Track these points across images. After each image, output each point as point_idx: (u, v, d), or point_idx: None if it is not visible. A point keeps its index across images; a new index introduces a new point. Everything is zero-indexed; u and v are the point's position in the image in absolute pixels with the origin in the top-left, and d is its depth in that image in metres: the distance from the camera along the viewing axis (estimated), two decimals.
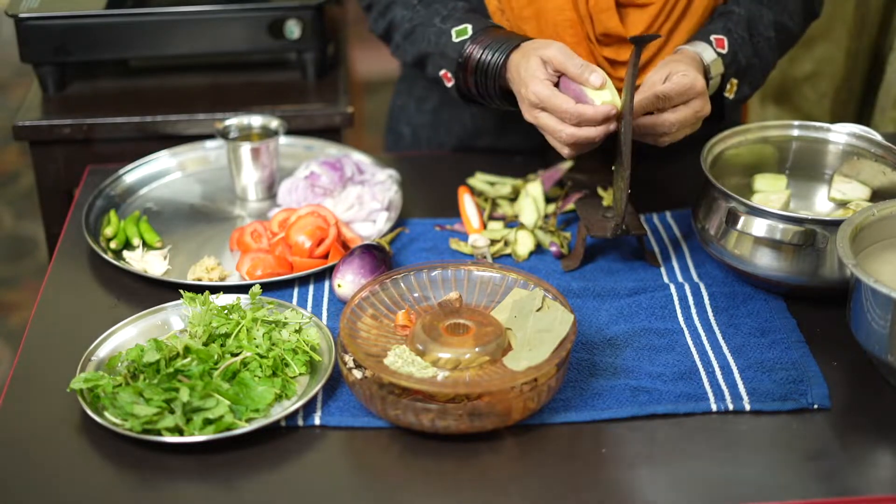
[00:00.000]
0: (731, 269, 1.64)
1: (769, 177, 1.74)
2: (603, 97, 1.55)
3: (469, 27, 1.70)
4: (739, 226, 1.57)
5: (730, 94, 1.69)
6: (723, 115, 1.73)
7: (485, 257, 1.73)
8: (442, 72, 1.74)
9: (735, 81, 1.69)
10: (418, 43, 1.77)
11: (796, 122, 1.76)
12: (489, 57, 1.66)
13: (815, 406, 1.43)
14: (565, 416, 1.42)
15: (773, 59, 1.75)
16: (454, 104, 2.01)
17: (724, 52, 1.66)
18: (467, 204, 1.82)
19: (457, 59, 1.69)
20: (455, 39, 1.70)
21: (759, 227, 1.56)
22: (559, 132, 1.56)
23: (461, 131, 2.03)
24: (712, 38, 1.66)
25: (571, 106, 1.54)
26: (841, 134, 1.73)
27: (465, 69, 1.69)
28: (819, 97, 2.63)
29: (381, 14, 1.84)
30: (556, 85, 1.58)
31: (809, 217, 1.54)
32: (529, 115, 1.59)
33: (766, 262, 1.58)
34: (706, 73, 1.64)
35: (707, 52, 1.65)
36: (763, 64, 1.73)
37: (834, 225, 1.52)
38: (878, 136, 1.70)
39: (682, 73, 1.57)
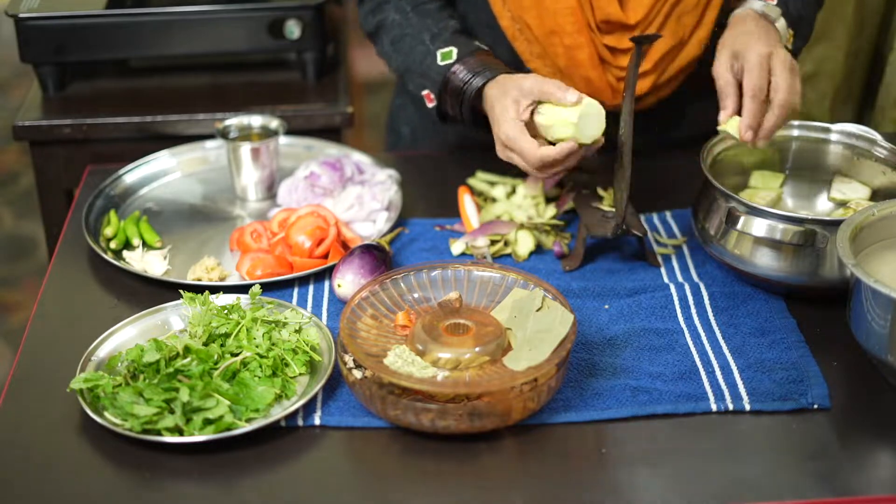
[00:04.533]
0: (731, 269, 1.64)
1: (766, 174, 1.74)
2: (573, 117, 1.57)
3: (454, 51, 1.72)
4: (739, 226, 1.57)
5: (788, 44, 1.70)
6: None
7: (485, 257, 1.73)
8: (424, 92, 1.76)
9: (791, 32, 1.70)
10: (405, 54, 1.78)
11: (796, 122, 1.76)
12: (466, 83, 1.69)
13: (815, 406, 1.43)
14: (565, 416, 1.42)
15: (814, 15, 1.77)
16: None
17: (775, 1, 1.67)
18: (467, 204, 1.82)
19: (439, 81, 1.72)
20: (440, 62, 1.72)
21: (759, 227, 1.56)
22: (528, 170, 1.61)
23: (461, 131, 2.03)
24: None
25: (534, 151, 1.57)
26: (841, 134, 1.73)
27: (445, 91, 1.72)
28: (819, 97, 2.63)
29: (373, 11, 1.84)
30: (531, 116, 1.61)
31: (809, 217, 1.54)
32: (502, 153, 1.64)
33: (766, 261, 1.58)
34: (768, 19, 1.65)
35: (756, 3, 1.67)
36: (809, 19, 1.75)
37: (834, 225, 1.52)
38: (878, 136, 1.70)
39: (740, 55, 1.58)
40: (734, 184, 1.73)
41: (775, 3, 1.67)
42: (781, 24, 1.67)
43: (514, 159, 1.62)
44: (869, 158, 1.70)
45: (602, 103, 1.60)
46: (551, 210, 1.80)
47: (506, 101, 1.61)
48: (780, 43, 1.62)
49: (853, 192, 1.70)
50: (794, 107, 1.59)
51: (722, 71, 1.60)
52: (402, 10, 1.80)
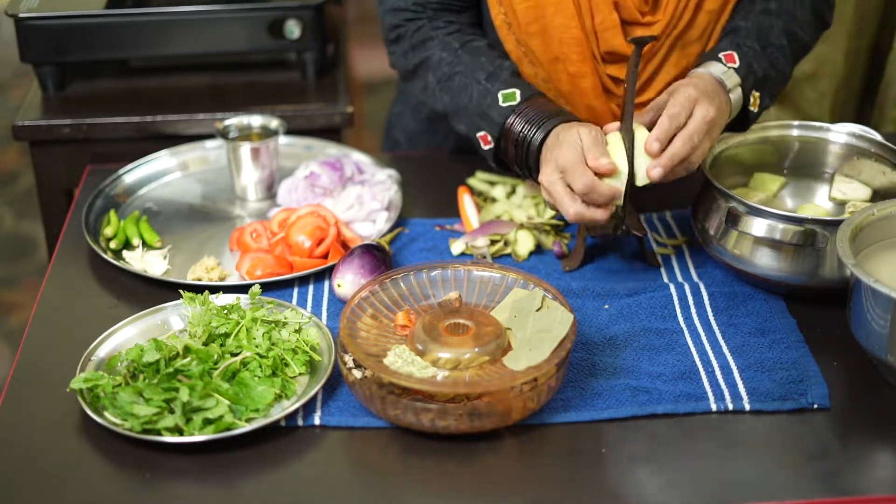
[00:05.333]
0: (731, 269, 1.64)
1: (766, 177, 1.74)
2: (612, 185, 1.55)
3: (518, 93, 1.67)
4: (739, 226, 1.57)
5: (754, 108, 1.68)
6: (747, 127, 1.72)
7: (485, 257, 1.73)
8: (480, 133, 1.70)
9: (756, 94, 1.67)
10: (457, 94, 1.72)
11: (796, 122, 1.76)
12: (531, 132, 1.63)
13: (815, 406, 1.43)
14: (565, 416, 1.42)
15: (788, 69, 1.73)
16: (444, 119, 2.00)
17: (736, 65, 1.64)
18: (467, 204, 1.82)
19: (501, 123, 1.66)
20: (502, 104, 1.67)
21: (759, 226, 1.56)
22: (567, 207, 1.54)
23: (457, 139, 2.02)
24: (721, 55, 1.65)
25: (588, 176, 1.52)
26: (841, 134, 1.73)
27: (506, 137, 1.67)
28: (819, 97, 2.63)
29: (413, 48, 1.77)
30: None
31: (809, 217, 1.54)
32: (548, 178, 1.56)
33: (766, 261, 1.58)
34: (722, 86, 1.62)
35: (716, 67, 1.64)
36: (780, 75, 1.71)
37: (834, 225, 1.52)
38: (878, 136, 1.70)
39: (671, 89, 1.58)
40: (734, 184, 1.73)
41: (737, 65, 1.65)
42: (737, 94, 1.64)
43: (557, 189, 1.55)
44: (869, 158, 1.70)
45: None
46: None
47: (572, 132, 1.56)
48: (720, 105, 1.59)
49: (853, 192, 1.70)
50: (693, 161, 1.56)
51: (653, 103, 1.59)
52: (450, 47, 1.74)
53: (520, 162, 1.67)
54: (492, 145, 1.69)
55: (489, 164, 1.75)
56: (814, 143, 1.75)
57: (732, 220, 1.58)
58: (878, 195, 1.69)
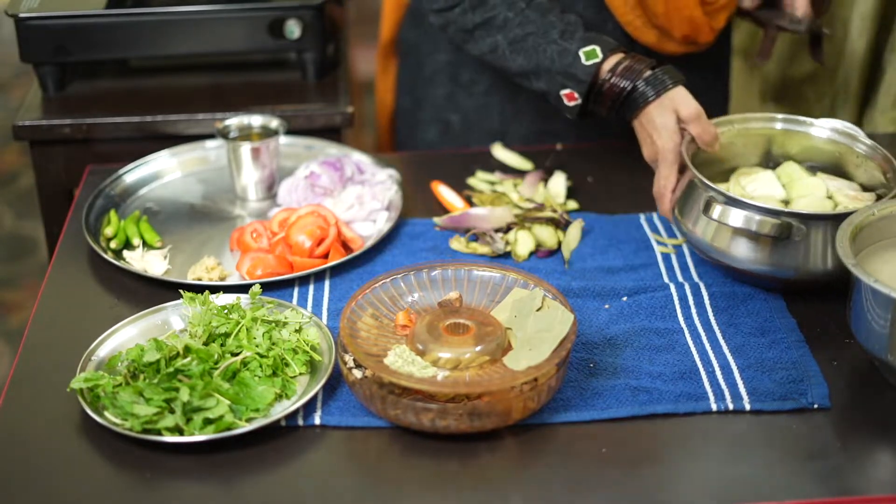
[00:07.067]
0: (717, 264, 1.63)
1: (749, 170, 1.74)
2: None
3: (598, 49, 1.70)
4: (713, 214, 1.56)
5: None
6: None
7: (498, 250, 1.73)
8: (565, 92, 1.72)
9: None
10: (532, 55, 1.74)
11: (780, 116, 1.75)
12: (636, 87, 1.68)
13: (815, 406, 1.43)
14: (565, 416, 1.42)
15: None
16: (502, 89, 2.02)
17: None
18: (444, 193, 1.84)
19: (589, 82, 1.70)
20: (585, 62, 1.69)
21: (736, 217, 1.54)
22: (659, 187, 1.70)
23: (500, 121, 2.06)
24: None
25: (664, 183, 1.67)
26: (824, 129, 1.73)
27: (601, 94, 1.71)
28: (819, 97, 2.63)
29: (474, 8, 1.77)
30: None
31: (785, 210, 1.54)
32: (650, 155, 1.72)
33: (744, 253, 1.57)
34: None
35: None
36: None
37: (811, 218, 1.52)
38: (860, 132, 1.70)
39: None
40: (715, 174, 1.72)
41: None
42: None
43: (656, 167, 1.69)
44: (850, 154, 1.70)
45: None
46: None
47: (666, 116, 1.66)
48: None
49: (834, 187, 1.69)
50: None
51: None
52: (515, 6, 1.75)
53: (614, 110, 1.73)
54: (578, 101, 1.73)
55: (567, 116, 1.77)
56: (797, 138, 1.75)
57: (708, 209, 1.57)
58: (863, 190, 1.68)
